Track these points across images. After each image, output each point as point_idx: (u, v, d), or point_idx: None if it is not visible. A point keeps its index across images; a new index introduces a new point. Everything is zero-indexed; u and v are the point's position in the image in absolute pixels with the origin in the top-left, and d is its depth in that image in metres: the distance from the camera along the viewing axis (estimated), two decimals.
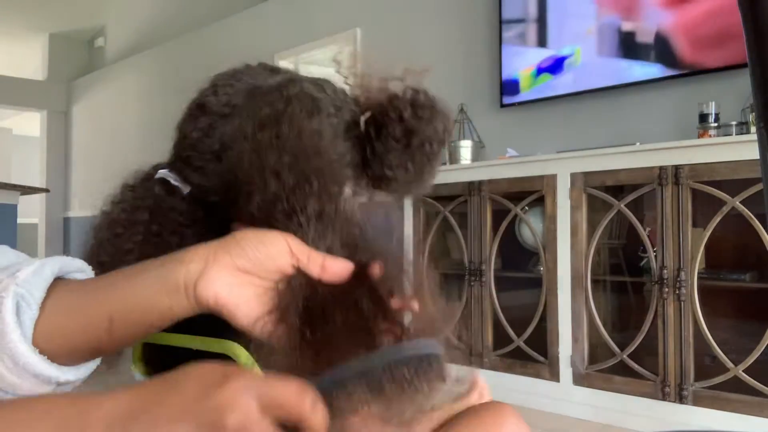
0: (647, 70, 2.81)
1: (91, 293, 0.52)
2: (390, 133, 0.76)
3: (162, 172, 0.76)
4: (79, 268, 0.56)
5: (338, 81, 0.81)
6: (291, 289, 0.51)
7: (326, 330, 0.47)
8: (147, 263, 0.52)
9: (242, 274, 0.50)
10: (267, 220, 0.64)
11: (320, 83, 0.78)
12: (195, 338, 0.69)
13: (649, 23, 2.81)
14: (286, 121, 0.67)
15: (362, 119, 0.79)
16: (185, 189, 0.76)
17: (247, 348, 0.66)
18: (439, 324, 0.50)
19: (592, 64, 3.00)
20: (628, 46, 2.88)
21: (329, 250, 0.61)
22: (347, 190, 0.79)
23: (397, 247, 0.68)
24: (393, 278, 0.48)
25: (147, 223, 0.73)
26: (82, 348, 0.51)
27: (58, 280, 0.53)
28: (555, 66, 3.14)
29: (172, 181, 0.76)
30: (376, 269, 0.50)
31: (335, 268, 0.53)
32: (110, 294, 0.51)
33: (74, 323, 0.50)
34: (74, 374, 0.52)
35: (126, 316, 0.50)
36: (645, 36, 2.83)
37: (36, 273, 0.51)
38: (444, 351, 0.48)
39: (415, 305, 0.48)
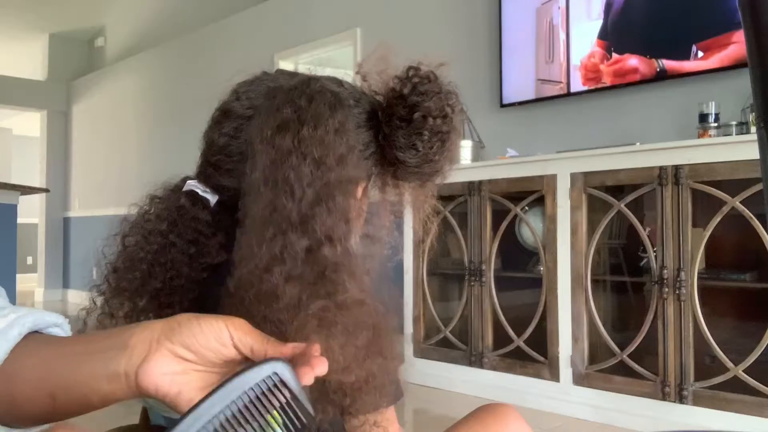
0: (647, 69, 2.81)
1: (40, 366, 0.51)
2: (395, 112, 0.77)
3: (190, 183, 0.78)
4: (55, 323, 0.56)
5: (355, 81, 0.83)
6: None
7: None
8: (97, 339, 0.51)
9: (184, 361, 0.49)
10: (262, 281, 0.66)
11: (337, 79, 0.80)
12: None
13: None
14: (309, 121, 0.68)
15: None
16: (213, 199, 0.77)
17: None
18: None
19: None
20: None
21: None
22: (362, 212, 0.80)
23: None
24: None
25: (165, 233, 0.75)
26: (30, 416, 0.52)
27: (30, 336, 0.53)
28: (555, 65, 3.14)
29: (200, 192, 0.77)
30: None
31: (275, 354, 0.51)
32: (53, 373, 0.50)
33: (22, 393, 0.51)
34: None
35: (67, 396, 0.50)
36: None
37: (1, 334, 0.51)
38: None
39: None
